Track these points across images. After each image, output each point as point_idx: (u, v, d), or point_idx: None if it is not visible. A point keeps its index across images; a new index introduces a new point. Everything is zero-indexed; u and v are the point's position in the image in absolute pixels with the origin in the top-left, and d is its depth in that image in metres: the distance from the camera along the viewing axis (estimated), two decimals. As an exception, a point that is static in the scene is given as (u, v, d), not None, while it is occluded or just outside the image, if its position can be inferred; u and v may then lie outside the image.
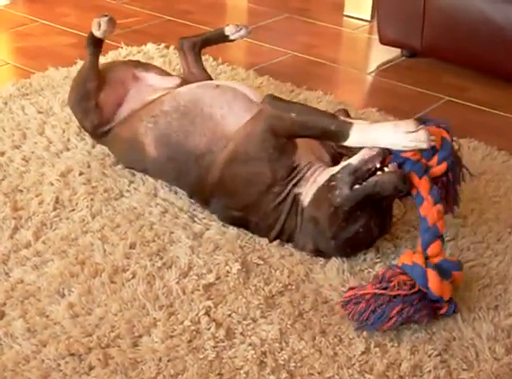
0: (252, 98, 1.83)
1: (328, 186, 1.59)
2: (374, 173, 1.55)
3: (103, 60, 2.54)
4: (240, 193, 1.69)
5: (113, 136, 1.97)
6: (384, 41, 2.75)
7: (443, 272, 1.47)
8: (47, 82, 2.42)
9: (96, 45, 2.00)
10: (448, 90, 2.51)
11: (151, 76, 2.05)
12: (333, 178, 1.59)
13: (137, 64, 2.11)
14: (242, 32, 2.15)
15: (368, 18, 3.14)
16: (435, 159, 1.57)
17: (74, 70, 2.50)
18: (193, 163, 1.76)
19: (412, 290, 1.44)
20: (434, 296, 1.44)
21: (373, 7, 3.08)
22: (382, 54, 2.82)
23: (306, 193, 1.64)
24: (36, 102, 2.29)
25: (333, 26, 3.11)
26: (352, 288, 1.50)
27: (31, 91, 2.37)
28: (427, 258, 1.48)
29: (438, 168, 1.57)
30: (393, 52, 2.79)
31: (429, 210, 1.52)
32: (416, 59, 2.76)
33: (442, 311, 1.47)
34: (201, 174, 1.75)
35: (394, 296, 1.44)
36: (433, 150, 1.56)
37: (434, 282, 1.44)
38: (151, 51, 2.68)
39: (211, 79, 2.13)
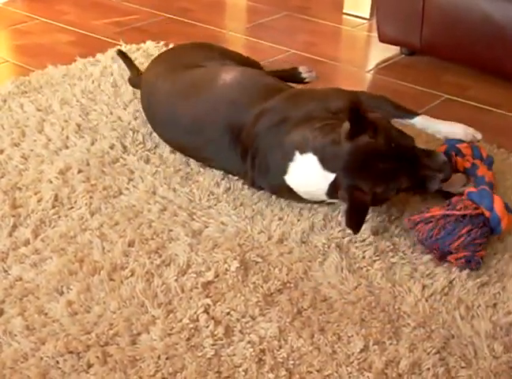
0: None
1: None
2: None
3: (102, 57, 2.55)
4: (308, 109, 1.80)
5: (192, 69, 2.01)
6: (383, 39, 2.74)
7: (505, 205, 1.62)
8: (46, 80, 2.42)
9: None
10: (447, 88, 2.50)
11: None
12: None
13: None
14: (313, 74, 2.28)
15: (367, 16, 3.14)
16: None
17: (73, 68, 2.50)
18: (262, 86, 1.92)
19: (477, 211, 1.57)
20: (497, 219, 1.58)
21: (372, 5, 3.07)
22: (381, 52, 2.82)
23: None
24: (35, 99, 2.29)
25: (333, 24, 3.11)
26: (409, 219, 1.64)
27: (30, 88, 2.37)
28: None
29: None
30: (392, 50, 2.79)
31: (485, 172, 1.74)
32: (415, 57, 2.76)
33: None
34: (265, 92, 1.88)
35: (462, 216, 1.57)
36: (480, 156, 1.81)
37: (499, 204, 1.58)
38: (150, 49, 2.67)
39: None
